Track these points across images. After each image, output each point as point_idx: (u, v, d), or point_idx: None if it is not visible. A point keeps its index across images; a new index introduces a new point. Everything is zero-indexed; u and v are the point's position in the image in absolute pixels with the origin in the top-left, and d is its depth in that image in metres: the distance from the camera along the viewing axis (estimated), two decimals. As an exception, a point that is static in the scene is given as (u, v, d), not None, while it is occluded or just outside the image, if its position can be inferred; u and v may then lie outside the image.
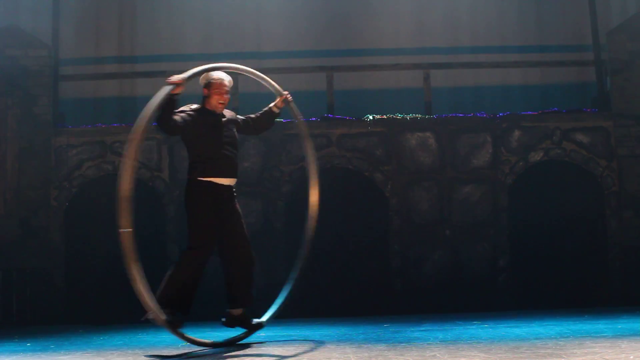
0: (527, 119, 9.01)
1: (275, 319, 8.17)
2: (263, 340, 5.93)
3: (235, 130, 5.81)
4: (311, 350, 5.17)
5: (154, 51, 10.18)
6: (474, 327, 6.47)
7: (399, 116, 9.03)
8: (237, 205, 5.71)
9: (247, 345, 5.55)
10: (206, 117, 5.62)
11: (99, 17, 10.32)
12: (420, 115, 9.06)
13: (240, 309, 5.68)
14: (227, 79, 5.79)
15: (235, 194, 5.74)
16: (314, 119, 9.07)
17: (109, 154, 8.92)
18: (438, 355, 4.63)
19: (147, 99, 10.37)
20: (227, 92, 5.76)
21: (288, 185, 8.88)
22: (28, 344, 6.17)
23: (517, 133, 8.99)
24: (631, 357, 4.22)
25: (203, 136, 5.54)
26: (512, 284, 8.73)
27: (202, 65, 10.10)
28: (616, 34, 9.15)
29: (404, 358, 4.57)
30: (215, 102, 5.70)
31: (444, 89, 9.97)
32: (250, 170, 8.88)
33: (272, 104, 6.13)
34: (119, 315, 8.40)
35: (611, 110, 9.02)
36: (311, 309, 8.43)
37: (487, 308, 8.38)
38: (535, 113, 9.11)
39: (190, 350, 5.37)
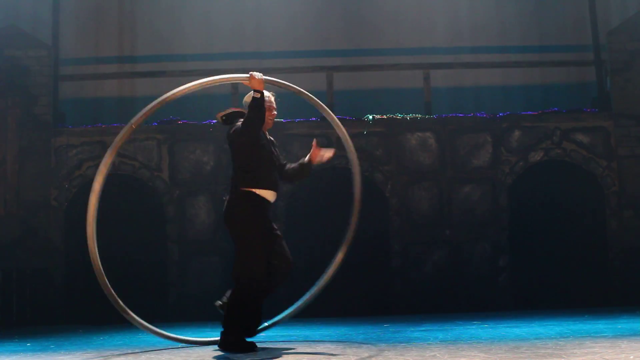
0: (527, 119, 9.01)
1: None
2: (263, 340, 5.93)
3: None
4: (311, 350, 5.17)
5: (154, 51, 10.18)
6: (474, 327, 6.47)
7: (399, 116, 9.03)
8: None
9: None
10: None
11: (99, 17, 10.32)
12: (420, 115, 9.06)
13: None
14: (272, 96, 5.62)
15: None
16: (314, 119, 9.07)
17: (109, 154, 8.90)
18: (438, 355, 4.63)
19: (147, 98, 10.40)
20: (273, 109, 5.60)
21: (288, 185, 8.88)
22: (28, 344, 6.17)
23: (517, 133, 8.98)
24: (631, 357, 4.22)
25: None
26: (512, 284, 8.73)
27: (201, 64, 10.15)
28: (616, 34, 9.14)
29: (403, 358, 4.57)
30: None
31: (444, 89, 9.97)
32: (250, 170, 8.87)
33: (305, 158, 5.66)
34: (119, 315, 8.40)
35: (611, 110, 9.02)
36: (311, 309, 8.43)
37: (487, 308, 8.39)
38: (535, 113, 9.11)
39: (193, 351, 5.37)
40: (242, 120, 5.28)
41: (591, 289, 8.70)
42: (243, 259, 5.16)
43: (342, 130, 6.02)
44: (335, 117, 6.03)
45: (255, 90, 5.20)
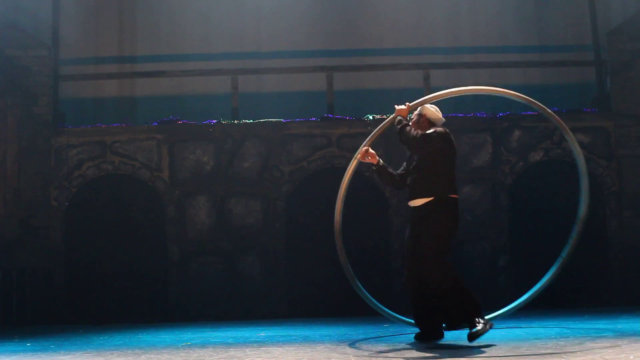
0: (527, 119, 9.01)
1: (275, 319, 8.19)
2: (263, 340, 5.93)
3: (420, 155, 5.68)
4: (311, 350, 5.17)
5: (154, 51, 10.18)
6: (474, 327, 6.45)
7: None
8: (428, 225, 5.37)
9: (247, 346, 5.55)
10: None
11: (99, 17, 10.32)
12: (420, 115, 9.05)
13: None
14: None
15: (424, 215, 5.41)
16: (313, 119, 9.07)
17: (109, 154, 8.92)
18: (438, 355, 4.63)
19: (147, 99, 10.47)
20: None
21: (288, 185, 8.89)
22: (28, 344, 6.17)
23: (517, 133, 8.98)
24: (631, 357, 4.22)
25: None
26: (512, 284, 8.72)
27: (201, 64, 10.13)
28: (616, 34, 9.14)
29: (404, 358, 4.58)
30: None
31: (444, 89, 9.94)
32: (250, 170, 8.88)
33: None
34: (119, 315, 8.42)
35: (611, 110, 9.02)
36: (311, 309, 8.44)
37: (487, 308, 8.36)
38: (535, 113, 9.10)
39: (193, 351, 5.37)
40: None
41: (591, 289, 8.70)
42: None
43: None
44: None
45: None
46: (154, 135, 8.96)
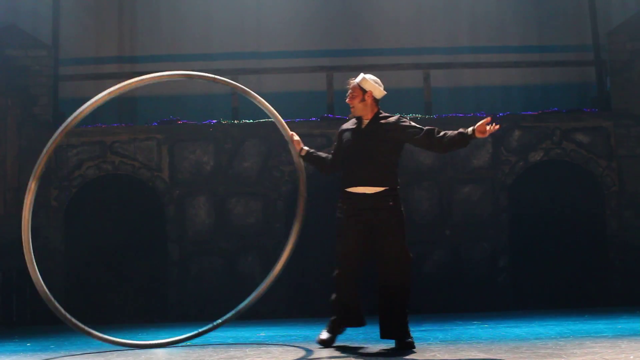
0: (527, 119, 9.01)
1: (276, 319, 8.19)
2: (263, 340, 5.93)
3: (379, 137, 5.32)
4: (311, 350, 5.17)
5: (154, 51, 10.18)
6: (474, 327, 6.47)
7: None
8: (390, 221, 5.14)
9: (248, 345, 5.55)
10: (351, 126, 5.45)
11: (99, 17, 10.32)
12: (420, 115, 9.05)
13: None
14: (354, 80, 5.50)
15: (390, 204, 5.24)
16: (314, 119, 9.07)
17: (109, 154, 8.92)
18: (438, 355, 4.63)
19: (147, 99, 10.48)
20: (348, 95, 5.47)
21: (288, 185, 8.88)
22: (28, 344, 6.17)
23: (517, 133, 8.98)
24: (631, 357, 4.22)
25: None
26: (512, 284, 8.73)
27: (201, 64, 10.10)
28: (616, 34, 9.15)
29: (404, 358, 4.57)
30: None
31: (444, 89, 9.96)
32: (250, 170, 8.88)
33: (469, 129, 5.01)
34: (119, 315, 8.42)
35: (611, 110, 9.02)
36: (311, 309, 8.44)
37: (487, 308, 8.38)
38: (535, 113, 9.11)
39: (192, 351, 5.37)
40: (401, 116, 5.46)
41: (591, 289, 8.70)
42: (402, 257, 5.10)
43: (286, 132, 5.82)
44: (281, 119, 5.88)
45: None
46: (154, 135, 8.96)
